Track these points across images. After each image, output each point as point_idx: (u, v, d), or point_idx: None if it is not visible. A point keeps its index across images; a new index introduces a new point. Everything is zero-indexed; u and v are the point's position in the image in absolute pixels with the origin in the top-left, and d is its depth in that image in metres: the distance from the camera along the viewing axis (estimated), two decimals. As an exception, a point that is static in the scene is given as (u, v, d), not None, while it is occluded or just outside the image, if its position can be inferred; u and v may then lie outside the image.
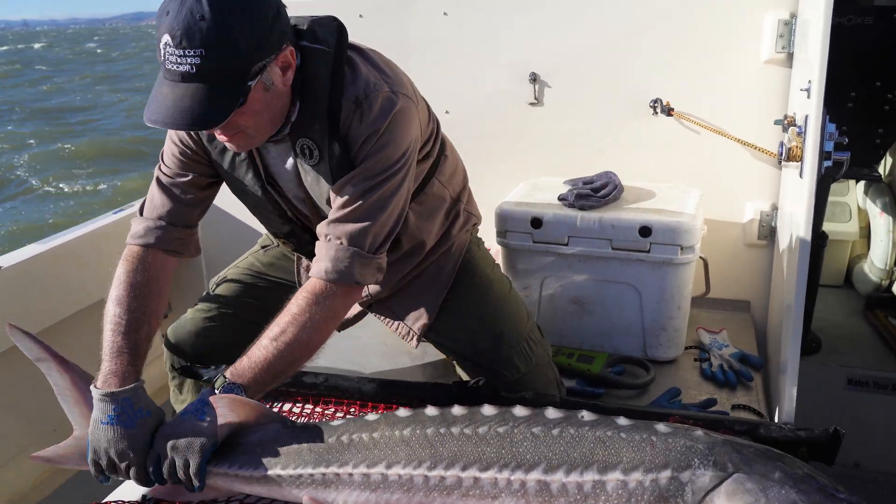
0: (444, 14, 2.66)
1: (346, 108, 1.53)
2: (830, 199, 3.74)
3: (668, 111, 2.43)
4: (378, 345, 2.38)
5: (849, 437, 1.42)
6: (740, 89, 2.40)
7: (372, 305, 1.92)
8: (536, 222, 2.19)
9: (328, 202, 1.61)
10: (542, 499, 1.19)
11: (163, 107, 1.35)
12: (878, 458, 2.67)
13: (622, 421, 1.24)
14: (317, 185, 1.62)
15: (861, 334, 3.56)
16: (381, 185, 1.54)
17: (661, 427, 1.22)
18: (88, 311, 2.76)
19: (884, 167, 3.81)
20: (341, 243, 1.53)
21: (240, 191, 1.72)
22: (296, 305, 1.50)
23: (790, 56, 2.31)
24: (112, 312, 1.57)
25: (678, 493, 1.15)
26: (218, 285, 2.01)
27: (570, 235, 2.17)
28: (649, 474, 1.16)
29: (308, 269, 1.75)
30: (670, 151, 2.51)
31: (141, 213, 1.71)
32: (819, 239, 3.08)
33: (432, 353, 2.32)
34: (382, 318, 1.93)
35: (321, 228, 1.58)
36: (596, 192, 2.25)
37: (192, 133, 1.64)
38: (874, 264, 3.75)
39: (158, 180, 1.70)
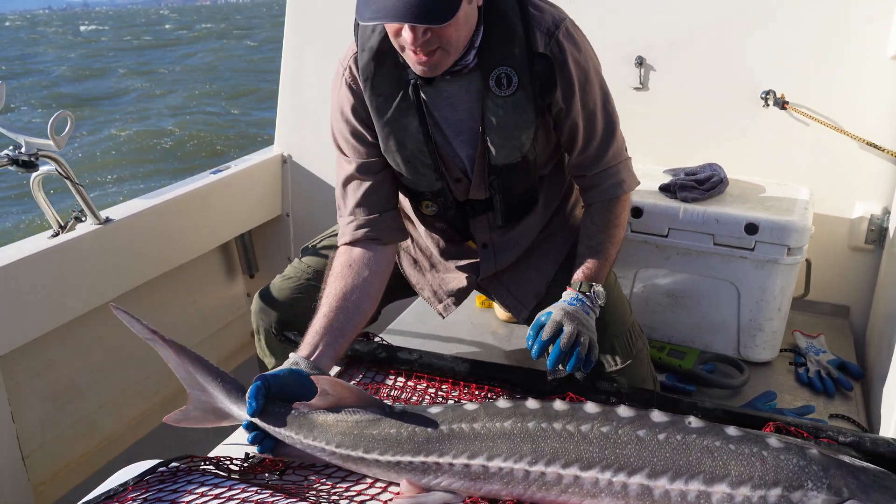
0: None
1: (540, 34, 1.56)
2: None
3: (783, 104, 2.33)
4: (465, 323, 2.39)
5: None
6: (862, 84, 2.28)
7: (481, 283, 1.90)
8: (637, 211, 2.14)
9: (514, 136, 1.61)
10: (643, 503, 1.17)
11: (380, 5, 1.33)
12: None
13: (731, 431, 1.20)
14: (511, 116, 1.59)
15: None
16: (602, 97, 1.70)
17: (773, 441, 1.18)
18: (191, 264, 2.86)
19: None
20: (618, 162, 1.75)
21: (398, 142, 1.65)
22: (609, 224, 1.71)
23: (920, 52, 2.17)
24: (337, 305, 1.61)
25: (788, 512, 1.11)
26: (307, 254, 2.03)
27: (670, 227, 2.11)
28: (758, 490, 1.12)
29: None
30: (779, 146, 2.41)
31: (340, 217, 1.74)
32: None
33: (519, 335, 2.32)
34: (490, 294, 1.94)
35: (582, 166, 1.74)
36: (700, 185, 2.17)
37: (361, 102, 1.64)
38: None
39: (347, 177, 1.71)
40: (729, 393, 2.00)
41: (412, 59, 1.47)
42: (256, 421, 1.38)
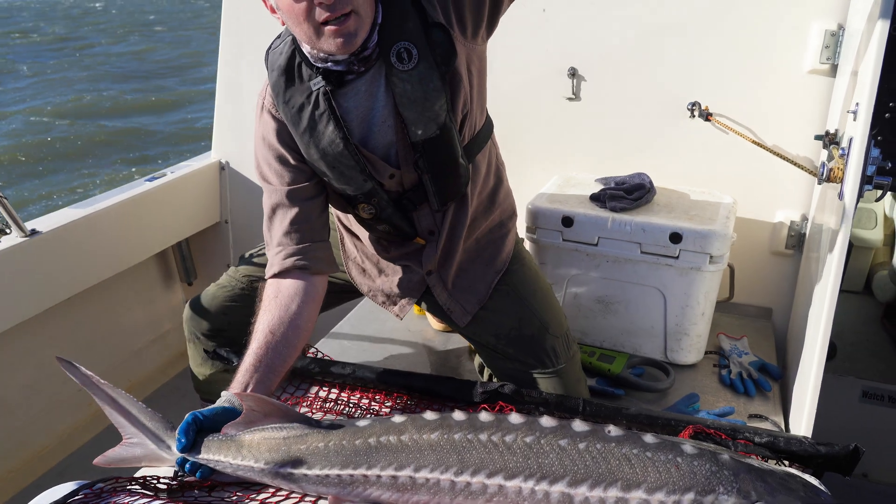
0: None
1: (429, 5, 1.57)
2: (857, 205, 3.68)
3: (707, 116, 2.39)
4: (402, 330, 2.41)
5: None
6: (780, 98, 2.36)
7: (429, 285, 1.90)
8: (567, 221, 2.17)
9: (426, 109, 1.60)
10: (565, 511, 1.20)
11: None
12: (886, 471, 2.67)
13: (648, 439, 1.24)
14: (419, 87, 1.58)
15: (877, 342, 3.53)
16: None
17: (688, 448, 1.22)
18: (121, 275, 2.80)
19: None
20: None
21: (320, 151, 1.64)
22: None
23: (834, 68, 2.25)
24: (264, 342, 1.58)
25: (700, 516, 1.15)
26: (242, 263, 2.02)
27: (600, 236, 2.15)
28: (672, 495, 1.16)
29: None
30: (705, 155, 2.47)
31: (267, 248, 1.71)
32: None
33: (454, 342, 2.35)
34: (433, 301, 1.93)
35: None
36: (629, 194, 2.22)
37: (282, 126, 1.64)
38: (896, 273, 3.71)
39: (273, 205, 1.69)
40: (656, 396, 2.06)
41: (329, 34, 1.46)
42: (186, 455, 1.39)
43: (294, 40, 1.58)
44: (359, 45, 1.51)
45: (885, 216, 3.98)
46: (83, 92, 15.29)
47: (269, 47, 1.65)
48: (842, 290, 3.64)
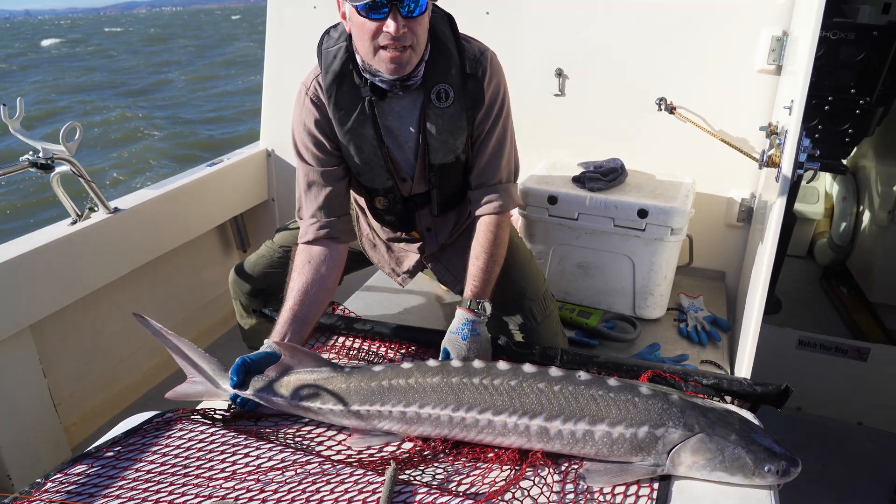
0: (487, 13, 2.58)
1: (470, 59, 1.59)
2: (802, 183, 3.65)
3: (671, 109, 2.35)
4: (416, 290, 2.42)
5: (795, 387, 1.42)
6: (734, 94, 2.31)
7: (425, 261, 1.92)
8: (552, 199, 2.16)
9: (449, 141, 1.62)
10: (542, 440, 1.22)
11: None
12: (816, 405, 2.69)
13: (612, 382, 1.25)
14: (448, 124, 1.61)
15: (816, 299, 3.52)
16: (507, 120, 1.69)
17: (644, 389, 1.23)
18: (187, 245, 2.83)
19: (851, 161, 3.69)
20: (501, 182, 1.69)
21: (357, 147, 1.64)
22: (491, 244, 1.64)
23: (779, 68, 2.20)
24: (299, 299, 1.59)
25: (652, 444, 1.17)
26: (278, 233, 2.04)
27: (579, 212, 2.14)
28: (630, 428, 1.18)
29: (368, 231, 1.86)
30: (670, 143, 2.44)
31: (300, 217, 1.71)
32: (788, 218, 3.02)
33: (454, 301, 2.36)
34: (436, 274, 1.96)
35: (479, 178, 1.69)
36: (604, 176, 2.20)
37: (323, 115, 1.63)
38: (834, 241, 3.68)
39: (309, 182, 1.68)
40: (625, 345, 2.06)
41: (385, 58, 1.46)
42: (237, 392, 1.42)
43: (348, 48, 1.56)
44: (405, 74, 1.51)
45: (826, 193, 3.93)
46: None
47: (321, 44, 1.61)
48: (788, 255, 3.65)
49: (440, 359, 1.47)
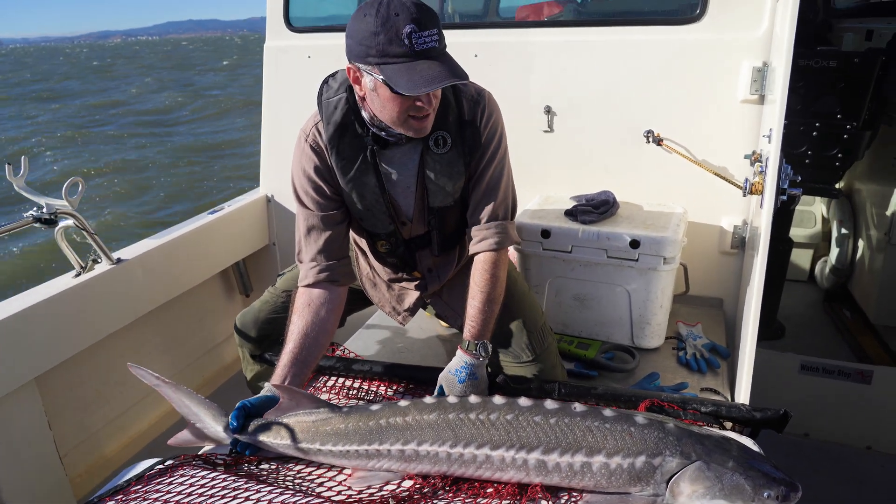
0: (475, 56, 2.65)
1: (467, 105, 1.63)
2: (799, 208, 3.68)
3: (658, 141, 2.40)
4: (415, 328, 2.44)
5: (800, 412, 1.42)
6: (718, 124, 2.36)
7: (426, 299, 1.95)
8: (546, 233, 2.19)
9: (447, 186, 1.65)
10: (540, 473, 1.22)
11: (428, 75, 1.37)
12: (822, 430, 2.66)
13: (607, 412, 1.26)
14: (446, 169, 1.64)
15: (819, 323, 3.51)
16: (504, 159, 1.71)
17: (639, 419, 1.24)
18: (194, 290, 2.86)
19: (845, 184, 3.73)
20: (497, 220, 1.69)
21: (360, 195, 1.67)
22: (488, 283, 1.64)
23: (762, 98, 2.25)
24: (299, 343, 1.61)
25: (650, 474, 1.17)
26: (280, 279, 2.07)
27: (573, 245, 2.16)
28: (627, 458, 1.18)
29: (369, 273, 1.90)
30: (659, 174, 2.47)
31: (301, 261, 1.73)
32: (785, 244, 3.04)
33: (459, 337, 2.36)
34: (436, 311, 2.00)
35: (475, 216, 1.70)
36: (596, 209, 2.24)
37: (323, 161, 1.65)
38: (833, 264, 3.69)
39: (309, 227, 1.70)
40: (624, 375, 2.06)
41: (413, 125, 1.51)
42: (237, 436, 1.43)
43: (349, 99, 1.59)
44: (426, 133, 1.56)
45: (823, 217, 3.95)
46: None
47: (321, 94, 1.64)
48: (789, 280, 3.64)
49: (435, 394, 1.48)
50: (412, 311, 1.96)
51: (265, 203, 3.20)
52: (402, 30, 1.36)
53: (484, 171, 1.68)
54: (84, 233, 2.30)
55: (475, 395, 1.34)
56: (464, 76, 1.41)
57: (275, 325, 1.97)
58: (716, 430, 1.33)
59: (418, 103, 1.46)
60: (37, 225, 2.11)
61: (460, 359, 1.56)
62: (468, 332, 1.60)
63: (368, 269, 1.98)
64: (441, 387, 1.53)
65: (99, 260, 2.42)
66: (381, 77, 1.41)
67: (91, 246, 2.38)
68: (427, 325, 2.47)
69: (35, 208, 2.14)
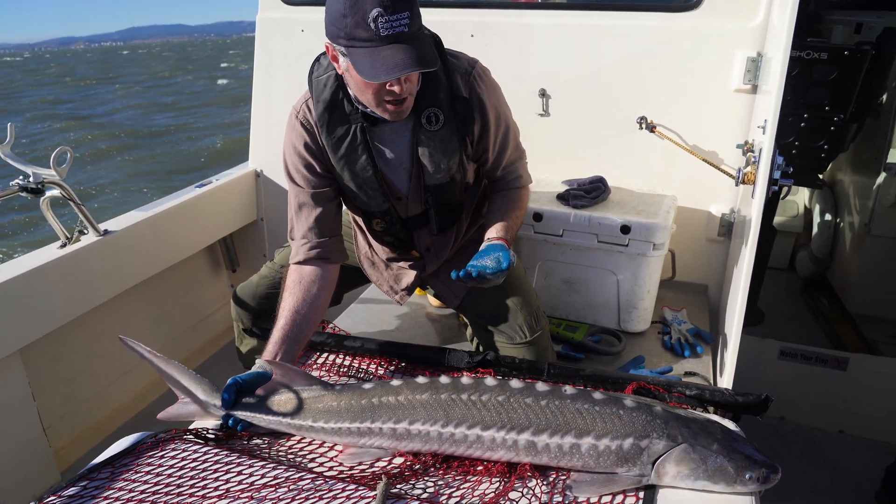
0: (471, 36, 2.63)
1: (461, 80, 1.61)
2: (781, 197, 3.72)
3: (651, 128, 2.40)
4: (407, 307, 2.44)
5: (777, 396, 1.45)
6: (711, 112, 2.37)
7: (424, 278, 1.95)
8: (538, 217, 2.20)
9: (442, 163, 1.64)
10: (530, 454, 1.24)
11: (392, 62, 1.34)
12: (798, 414, 2.73)
13: (597, 395, 1.28)
14: (439, 146, 1.62)
15: (798, 311, 3.58)
16: (507, 117, 1.75)
17: (628, 402, 1.26)
18: (179, 265, 2.84)
19: (828, 175, 3.78)
20: (518, 164, 1.82)
21: (352, 172, 1.66)
22: (512, 202, 1.76)
23: (755, 87, 2.26)
24: (290, 319, 1.61)
25: (637, 456, 1.20)
26: (279, 254, 2.06)
27: (564, 229, 2.17)
28: (615, 440, 1.20)
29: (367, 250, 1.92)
30: (651, 161, 2.48)
31: (292, 238, 1.72)
32: (769, 232, 3.08)
33: (450, 317, 2.39)
34: (430, 287, 2.00)
35: (493, 172, 1.79)
36: (588, 194, 2.25)
37: (313, 139, 1.64)
38: (814, 254, 3.75)
39: (300, 204, 1.70)
40: (610, 358, 2.09)
41: (388, 109, 1.49)
42: (229, 411, 1.43)
43: (338, 77, 1.57)
44: (405, 116, 1.55)
45: (805, 206, 4.01)
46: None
47: (312, 72, 1.63)
48: (769, 268, 3.70)
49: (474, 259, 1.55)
50: (410, 290, 1.96)
51: (254, 178, 3.17)
52: (369, 13, 1.32)
53: (489, 137, 1.69)
54: (71, 203, 2.26)
55: (467, 377, 1.35)
56: (432, 63, 1.39)
57: (273, 300, 1.95)
58: (701, 414, 1.36)
59: (392, 87, 1.43)
60: (23, 194, 2.08)
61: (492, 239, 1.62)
62: (493, 231, 1.65)
63: (367, 248, 1.98)
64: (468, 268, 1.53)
65: (85, 231, 2.39)
66: (350, 60, 1.40)
67: (78, 216, 2.34)
68: (419, 303, 2.48)
69: (21, 177, 2.10)
